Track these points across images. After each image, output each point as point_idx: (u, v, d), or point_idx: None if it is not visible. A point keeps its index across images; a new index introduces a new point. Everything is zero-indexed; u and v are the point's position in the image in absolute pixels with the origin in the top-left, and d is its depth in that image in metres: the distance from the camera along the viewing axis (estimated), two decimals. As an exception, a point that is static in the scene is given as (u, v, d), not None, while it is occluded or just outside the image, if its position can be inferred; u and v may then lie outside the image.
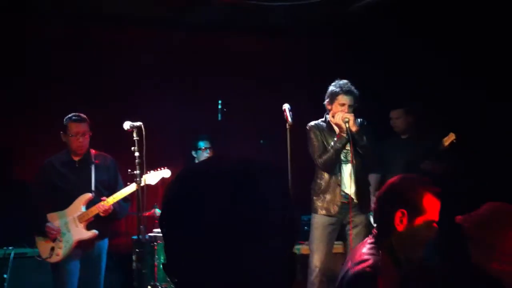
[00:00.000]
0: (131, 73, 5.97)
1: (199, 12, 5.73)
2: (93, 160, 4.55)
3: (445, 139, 4.76)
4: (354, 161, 4.29)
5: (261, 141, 5.63)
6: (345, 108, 4.31)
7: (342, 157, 4.39)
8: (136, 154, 4.21)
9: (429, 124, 5.36)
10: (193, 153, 5.82)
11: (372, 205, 4.84)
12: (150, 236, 4.61)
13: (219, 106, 5.20)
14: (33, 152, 5.55)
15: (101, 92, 5.87)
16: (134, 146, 4.22)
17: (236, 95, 6.06)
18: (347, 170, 4.36)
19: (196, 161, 5.81)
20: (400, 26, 5.57)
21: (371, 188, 5.00)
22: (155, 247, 4.89)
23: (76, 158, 4.53)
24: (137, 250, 4.59)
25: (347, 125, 4.21)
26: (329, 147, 4.34)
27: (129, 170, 4.30)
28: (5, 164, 5.67)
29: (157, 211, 4.99)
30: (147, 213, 4.88)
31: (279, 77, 6.37)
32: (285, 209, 1.09)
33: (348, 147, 4.33)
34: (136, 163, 4.21)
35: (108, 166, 4.62)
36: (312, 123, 4.50)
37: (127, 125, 4.28)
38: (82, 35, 5.84)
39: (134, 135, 4.23)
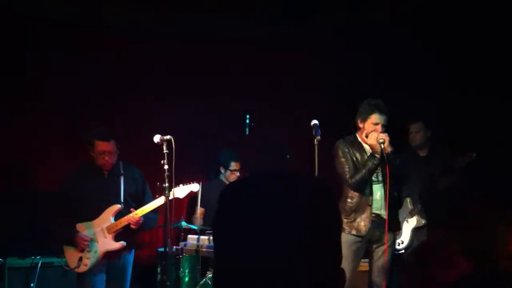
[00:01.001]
0: (157, 85, 6.03)
1: (223, 26, 5.80)
2: (122, 171, 4.58)
3: (463, 158, 4.74)
4: (388, 182, 4.16)
5: (287, 156, 5.63)
6: (379, 127, 4.22)
7: (373, 178, 4.29)
8: (166, 167, 4.23)
9: (442, 140, 5.32)
10: (222, 170, 5.82)
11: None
12: (176, 248, 4.63)
13: (247, 121, 5.23)
14: (59, 162, 5.62)
15: (127, 105, 5.94)
16: (164, 159, 4.24)
17: (263, 109, 6.09)
18: (378, 190, 4.27)
19: (222, 177, 5.83)
20: (414, 38, 5.59)
21: None
22: (180, 260, 4.90)
23: (105, 169, 4.57)
24: (162, 262, 4.63)
25: (382, 146, 4.12)
26: (362, 167, 4.23)
27: (158, 183, 4.33)
28: (31, 174, 5.72)
29: (183, 224, 5.01)
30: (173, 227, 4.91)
31: (306, 91, 6.38)
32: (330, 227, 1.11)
33: (380, 168, 4.24)
34: (165, 176, 4.23)
35: (136, 177, 4.65)
36: (341, 140, 4.40)
37: (157, 138, 4.31)
38: (105, 48, 5.89)
39: (164, 148, 4.26)
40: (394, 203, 4.38)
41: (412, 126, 5.28)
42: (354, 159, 4.30)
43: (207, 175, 6.19)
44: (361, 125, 4.33)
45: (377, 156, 4.16)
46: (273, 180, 1.13)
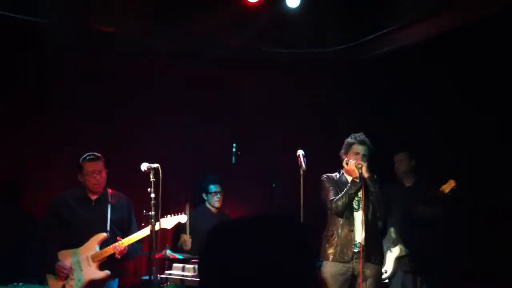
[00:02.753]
0: (143, 114, 6.04)
1: (214, 53, 5.88)
2: (110, 199, 4.59)
3: (445, 186, 4.84)
4: (364, 208, 4.38)
5: (273, 185, 5.67)
6: (359, 156, 4.50)
7: (355, 205, 4.48)
8: (152, 195, 4.24)
9: (426, 170, 5.42)
10: (204, 195, 5.87)
11: None
12: (161, 277, 4.61)
13: (233, 149, 5.27)
14: (44, 187, 5.59)
15: (114, 133, 5.94)
16: (151, 187, 4.24)
17: (248, 139, 6.14)
18: (359, 217, 4.43)
19: (207, 203, 5.85)
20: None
21: None
22: (164, 289, 4.87)
23: (93, 197, 4.57)
24: (146, 291, 4.61)
25: (360, 171, 4.37)
26: (342, 192, 4.44)
27: (144, 211, 4.33)
28: (16, 198, 5.64)
29: (168, 252, 5.00)
30: (158, 255, 4.89)
31: (292, 122, 6.47)
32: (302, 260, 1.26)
33: (360, 194, 4.42)
34: (152, 204, 4.24)
35: (123, 206, 4.67)
36: (326, 174, 4.65)
37: (144, 166, 4.32)
38: (95, 72, 5.87)
39: (151, 176, 4.27)
40: (374, 232, 4.48)
41: (396, 156, 5.42)
42: (337, 188, 4.53)
43: (194, 204, 6.22)
44: (344, 157, 4.59)
45: (356, 180, 4.41)
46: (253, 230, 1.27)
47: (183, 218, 4.64)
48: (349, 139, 4.59)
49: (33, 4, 4.98)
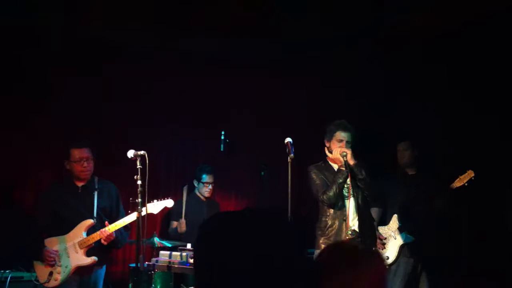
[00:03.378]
0: (132, 103, 6.03)
1: (200, 45, 5.85)
2: (96, 186, 4.58)
3: (463, 176, 4.81)
4: (354, 195, 4.36)
5: (262, 173, 5.66)
6: (343, 144, 4.46)
7: (345, 193, 4.44)
8: (139, 182, 4.21)
9: (433, 160, 5.41)
10: (195, 182, 5.85)
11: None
12: (148, 264, 4.61)
13: (222, 137, 5.25)
14: (33, 178, 5.58)
15: (101, 120, 5.93)
16: (137, 174, 4.22)
17: (237, 127, 6.13)
18: (350, 205, 4.40)
19: (197, 191, 5.85)
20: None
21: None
22: (152, 276, 4.87)
23: (79, 184, 4.56)
24: (134, 278, 4.61)
25: (345, 159, 4.33)
26: (331, 183, 4.40)
27: (131, 199, 4.32)
28: (4, 188, 5.65)
29: (156, 240, 4.99)
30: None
31: (280, 110, 6.46)
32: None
33: (349, 181, 4.39)
34: (138, 192, 4.21)
35: (111, 193, 4.66)
36: (312, 165, 4.59)
37: (130, 153, 4.29)
38: (84, 66, 5.88)
39: (138, 163, 4.24)
40: (367, 218, 4.49)
41: (399, 144, 5.37)
42: (325, 179, 4.48)
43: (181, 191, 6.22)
44: (327, 145, 4.55)
45: (342, 169, 4.36)
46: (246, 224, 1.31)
47: (169, 202, 4.63)
48: (331, 126, 4.54)
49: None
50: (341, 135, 4.47)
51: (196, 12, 5.14)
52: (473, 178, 4.79)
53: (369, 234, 4.42)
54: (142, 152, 4.27)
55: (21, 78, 5.61)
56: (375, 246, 4.55)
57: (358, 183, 4.40)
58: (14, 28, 5.31)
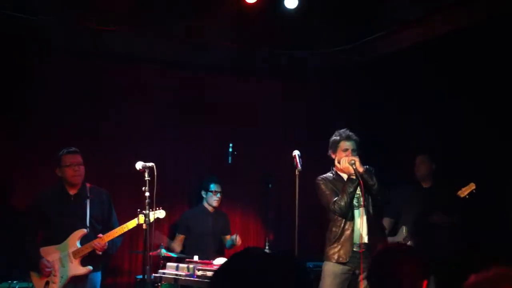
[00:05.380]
0: (137, 112, 6.02)
1: (209, 55, 5.88)
2: (88, 194, 4.61)
3: (465, 188, 4.81)
4: (364, 204, 4.30)
5: (269, 185, 5.68)
6: (349, 152, 4.42)
7: (355, 203, 4.40)
8: (147, 194, 4.24)
9: (446, 173, 5.39)
10: (203, 193, 5.86)
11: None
12: (155, 276, 4.61)
13: (230, 149, 5.28)
14: (32, 184, 5.54)
15: (105, 131, 5.92)
16: (145, 186, 4.22)
17: (244, 139, 6.15)
18: (359, 215, 4.36)
19: (205, 202, 5.85)
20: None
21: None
22: (158, 287, 4.88)
23: (72, 192, 4.58)
24: (140, 289, 4.62)
25: (354, 167, 4.28)
26: (342, 193, 4.36)
27: (138, 210, 4.34)
28: (6, 196, 5.56)
29: (163, 251, 5.00)
30: (153, 253, 4.89)
31: (289, 122, 6.48)
32: None
33: (359, 191, 4.35)
34: (146, 203, 4.24)
35: (102, 200, 4.69)
36: (320, 176, 4.55)
37: (139, 165, 4.31)
38: (88, 74, 5.86)
39: (146, 175, 4.26)
40: (376, 228, 4.43)
41: (418, 157, 5.39)
42: (335, 188, 4.44)
43: (190, 203, 6.23)
44: (333, 156, 4.51)
45: (353, 177, 4.30)
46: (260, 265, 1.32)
47: (161, 213, 4.63)
48: (334, 137, 4.51)
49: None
50: (346, 144, 4.44)
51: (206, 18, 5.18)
52: (474, 190, 4.80)
53: (377, 245, 4.31)
54: (150, 164, 4.29)
55: (18, 77, 5.56)
56: None
57: (370, 190, 4.34)
58: (15, 28, 5.31)
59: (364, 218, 4.32)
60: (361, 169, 4.30)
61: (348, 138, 4.45)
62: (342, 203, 4.30)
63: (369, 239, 4.29)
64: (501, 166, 5.10)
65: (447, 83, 5.56)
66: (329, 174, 4.56)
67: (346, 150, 4.42)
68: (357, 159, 4.32)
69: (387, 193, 4.44)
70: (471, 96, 5.35)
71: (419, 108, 5.97)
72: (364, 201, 4.30)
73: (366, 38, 5.58)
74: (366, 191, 4.30)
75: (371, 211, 4.38)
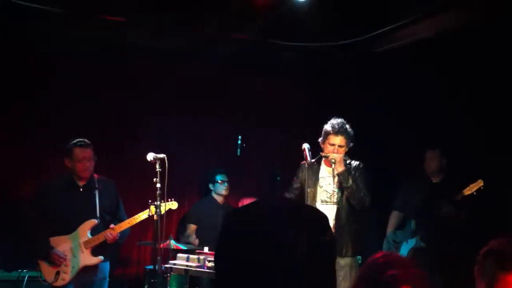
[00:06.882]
0: (146, 105, 6.05)
1: (220, 49, 5.89)
2: (97, 185, 4.61)
3: (473, 185, 4.81)
4: (336, 202, 4.37)
5: (277, 178, 5.67)
6: (335, 148, 4.39)
7: (326, 198, 4.45)
8: (158, 185, 4.26)
9: (457, 169, 5.38)
10: (210, 185, 5.89)
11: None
12: (165, 267, 4.64)
13: (239, 142, 5.28)
14: (40, 174, 5.55)
15: (122, 122, 5.96)
16: (156, 177, 4.25)
17: (254, 131, 6.16)
18: (329, 211, 4.34)
19: (213, 193, 5.87)
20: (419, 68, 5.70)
21: (389, 226, 5.02)
22: (168, 278, 4.91)
23: (81, 183, 4.58)
24: (151, 280, 4.65)
25: (333, 166, 4.32)
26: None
27: (150, 201, 4.36)
28: (17, 185, 5.59)
29: (172, 243, 5.03)
30: (163, 244, 4.91)
31: (298, 115, 6.48)
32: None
33: (330, 189, 4.41)
34: (157, 194, 4.26)
35: (110, 191, 4.69)
36: (303, 162, 4.50)
37: (150, 156, 4.33)
38: (99, 67, 5.88)
39: (157, 166, 4.28)
40: (347, 226, 4.39)
41: (428, 152, 5.37)
42: (305, 178, 4.46)
43: (199, 196, 6.25)
44: (322, 145, 4.52)
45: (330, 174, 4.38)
46: (276, 209, 1.23)
47: (173, 205, 4.64)
48: (326, 127, 4.45)
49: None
50: (334, 138, 4.40)
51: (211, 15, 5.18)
52: (482, 187, 4.79)
53: (344, 241, 4.34)
54: (161, 156, 4.31)
55: (19, 71, 5.55)
56: (354, 253, 4.41)
57: (345, 191, 4.36)
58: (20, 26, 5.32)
59: (333, 215, 4.33)
60: (340, 169, 4.32)
61: (336, 132, 4.38)
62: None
63: (336, 235, 4.17)
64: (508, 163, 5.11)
65: (458, 79, 5.54)
66: (313, 160, 4.52)
67: (332, 145, 4.39)
68: (338, 158, 4.32)
69: (365, 200, 4.38)
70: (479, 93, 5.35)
71: (434, 103, 5.92)
72: (336, 199, 4.36)
73: (376, 32, 5.56)
74: (340, 190, 4.37)
75: (342, 209, 4.37)
